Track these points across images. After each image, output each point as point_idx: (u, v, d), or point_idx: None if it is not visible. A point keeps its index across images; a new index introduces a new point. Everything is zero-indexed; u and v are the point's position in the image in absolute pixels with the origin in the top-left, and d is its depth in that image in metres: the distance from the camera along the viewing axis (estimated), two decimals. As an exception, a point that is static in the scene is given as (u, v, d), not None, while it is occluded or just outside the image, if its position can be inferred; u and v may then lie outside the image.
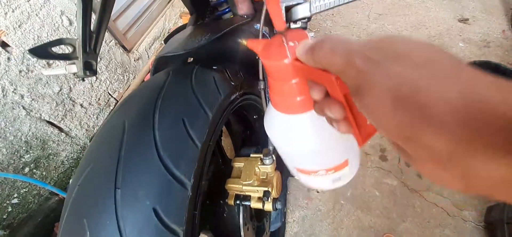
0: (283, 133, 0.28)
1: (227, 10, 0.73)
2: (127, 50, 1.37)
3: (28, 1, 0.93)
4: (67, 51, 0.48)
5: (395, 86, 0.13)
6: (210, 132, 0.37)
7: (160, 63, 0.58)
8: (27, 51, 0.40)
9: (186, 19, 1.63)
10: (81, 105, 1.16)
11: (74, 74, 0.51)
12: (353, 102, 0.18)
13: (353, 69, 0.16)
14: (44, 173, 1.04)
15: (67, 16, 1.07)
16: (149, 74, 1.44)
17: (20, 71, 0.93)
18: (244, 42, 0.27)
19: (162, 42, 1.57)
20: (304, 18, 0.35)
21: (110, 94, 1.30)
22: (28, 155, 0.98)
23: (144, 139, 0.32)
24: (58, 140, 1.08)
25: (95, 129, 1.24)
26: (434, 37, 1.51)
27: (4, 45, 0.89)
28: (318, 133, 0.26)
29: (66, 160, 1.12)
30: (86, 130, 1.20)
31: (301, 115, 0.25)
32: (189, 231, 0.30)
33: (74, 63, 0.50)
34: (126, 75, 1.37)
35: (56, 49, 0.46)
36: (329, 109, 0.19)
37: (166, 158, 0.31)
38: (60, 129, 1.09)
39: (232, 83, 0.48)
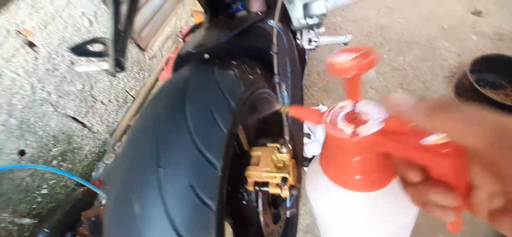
0: (335, 207, 0.24)
1: (240, 7, 0.76)
2: (142, 49, 1.42)
3: (51, 2, 0.99)
4: (97, 49, 0.53)
5: None
6: (234, 119, 0.40)
7: (181, 60, 0.62)
8: (68, 49, 0.45)
9: (197, 17, 1.68)
10: (102, 102, 1.22)
11: (105, 70, 0.56)
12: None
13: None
14: (70, 166, 1.11)
15: (87, 17, 1.13)
16: (163, 71, 1.50)
17: (47, 70, 1.00)
18: (286, 109, 0.26)
19: (179, 40, 1.62)
20: (320, 15, 0.37)
21: (127, 91, 1.36)
22: (56, 149, 1.05)
23: (179, 125, 0.35)
24: (81, 135, 1.15)
25: (115, 124, 1.30)
26: (447, 30, 1.49)
27: (31, 45, 0.96)
28: (386, 214, 0.22)
29: (89, 154, 1.19)
30: (107, 125, 1.26)
31: (369, 194, 0.21)
32: (219, 206, 0.34)
33: (105, 61, 0.55)
34: (142, 73, 1.43)
35: (90, 48, 0.51)
36: (440, 195, 0.16)
37: (198, 142, 0.35)
38: (83, 124, 1.15)
39: (251, 77, 0.52)
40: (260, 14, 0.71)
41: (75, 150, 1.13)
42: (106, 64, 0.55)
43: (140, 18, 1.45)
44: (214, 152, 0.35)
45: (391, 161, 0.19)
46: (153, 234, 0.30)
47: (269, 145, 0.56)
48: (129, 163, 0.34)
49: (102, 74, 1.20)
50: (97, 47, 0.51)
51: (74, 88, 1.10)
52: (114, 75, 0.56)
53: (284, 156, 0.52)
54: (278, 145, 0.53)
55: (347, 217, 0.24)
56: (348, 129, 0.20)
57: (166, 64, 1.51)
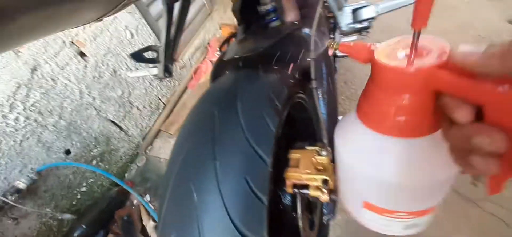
0: (370, 155, 0.22)
1: (274, 18, 0.79)
2: (173, 59, 1.52)
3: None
4: (151, 56, 0.58)
5: None
6: (280, 119, 0.42)
7: (220, 68, 0.66)
8: (129, 55, 0.50)
9: (225, 29, 1.76)
10: (137, 108, 1.31)
11: (154, 76, 0.61)
12: None
13: None
14: (107, 166, 1.19)
15: (129, 31, 1.24)
16: (192, 80, 1.57)
17: (94, 77, 1.10)
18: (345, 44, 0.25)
19: (206, 50, 1.70)
20: (369, 19, 0.38)
21: (159, 98, 1.44)
22: (96, 150, 1.14)
23: (232, 123, 0.37)
24: (118, 138, 1.23)
25: (147, 129, 1.38)
26: (483, 38, 1.42)
27: (82, 54, 1.07)
28: (424, 166, 0.20)
29: (123, 156, 1.27)
30: (140, 129, 1.34)
31: (409, 141, 0.20)
32: (270, 200, 0.35)
33: (155, 67, 0.60)
34: (173, 82, 1.52)
35: (145, 54, 0.56)
36: (486, 137, 0.15)
37: (251, 138, 0.36)
38: (121, 128, 1.24)
39: (291, 81, 0.53)
40: (296, 23, 0.74)
41: (112, 152, 1.21)
42: (155, 70, 0.60)
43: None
44: (265, 148, 0.36)
45: (440, 106, 0.18)
46: (211, 222, 0.31)
47: (307, 147, 0.56)
48: (186, 156, 0.37)
49: (139, 81, 1.30)
50: (150, 54, 0.56)
51: (115, 94, 1.19)
52: (161, 80, 0.61)
53: (324, 159, 0.51)
54: (317, 148, 0.53)
55: (380, 166, 0.22)
56: (405, 59, 0.19)
57: (194, 73, 1.59)
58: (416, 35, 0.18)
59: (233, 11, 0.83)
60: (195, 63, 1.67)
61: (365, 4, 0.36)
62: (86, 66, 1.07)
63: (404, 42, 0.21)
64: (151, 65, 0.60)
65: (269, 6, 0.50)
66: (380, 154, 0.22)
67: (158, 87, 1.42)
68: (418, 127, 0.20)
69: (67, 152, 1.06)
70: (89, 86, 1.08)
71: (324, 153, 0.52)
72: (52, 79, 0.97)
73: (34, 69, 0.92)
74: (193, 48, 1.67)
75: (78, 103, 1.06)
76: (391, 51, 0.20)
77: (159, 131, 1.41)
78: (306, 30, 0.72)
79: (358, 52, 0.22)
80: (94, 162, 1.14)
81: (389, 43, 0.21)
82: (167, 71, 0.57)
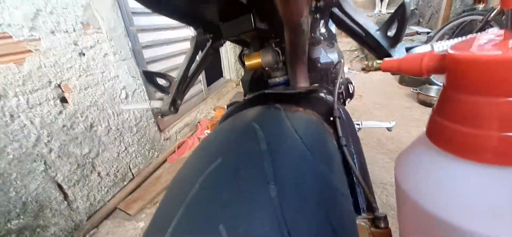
0: (460, 193, 0.15)
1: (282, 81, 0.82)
2: (160, 129, 1.42)
3: (102, 72, 1.06)
4: (161, 83, 0.52)
5: None
6: None
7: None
8: (142, 71, 0.43)
9: (219, 111, 1.80)
10: (99, 174, 1.06)
11: (156, 108, 0.53)
12: None
13: None
14: (18, 251, 0.80)
15: (126, 91, 1.18)
16: (174, 154, 1.42)
17: (63, 126, 0.92)
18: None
19: (196, 127, 1.64)
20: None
21: (129, 168, 1.22)
22: (17, 221, 0.80)
23: (291, 138, 0.28)
24: (56, 210, 0.90)
25: (100, 204, 1.07)
26: None
27: (63, 100, 0.93)
28: None
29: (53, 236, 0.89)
30: (90, 204, 1.03)
31: None
32: None
33: (159, 100, 0.53)
34: (152, 152, 1.35)
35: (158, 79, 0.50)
36: None
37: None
38: (65, 196, 0.94)
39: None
40: (315, 87, 0.77)
41: (38, 229, 0.85)
42: (158, 103, 0.53)
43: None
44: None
45: None
46: None
47: (359, 222, 0.44)
48: (214, 172, 0.24)
49: (115, 143, 1.12)
50: (162, 82, 0.51)
51: (79, 152, 0.98)
52: (162, 116, 0.52)
53: (384, 231, 0.40)
54: (367, 218, 0.42)
55: (476, 205, 0.14)
56: (496, 50, 0.14)
57: (178, 147, 1.46)
58: (510, 15, 0.15)
59: (242, 81, 0.85)
60: (181, 137, 1.57)
61: (418, 44, 0.38)
62: (60, 112, 0.91)
63: (474, 39, 0.16)
64: (150, 100, 0.53)
65: (281, 79, 0.51)
66: (471, 189, 0.15)
67: (133, 155, 1.23)
68: None
69: (-32, 218, 0.72)
70: (51, 134, 0.88)
71: (382, 224, 0.40)
72: (11, 115, 0.78)
73: (-7, 99, 0.74)
74: (183, 123, 1.61)
75: (26, 152, 0.82)
76: (468, 48, 0.15)
77: (114, 209, 1.10)
78: (322, 94, 0.74)
79: (411, 65, 0.19)
80: (2, 241, 0.77)
81: (454, 44, 0.17)
82: (174, 106, 0.50)
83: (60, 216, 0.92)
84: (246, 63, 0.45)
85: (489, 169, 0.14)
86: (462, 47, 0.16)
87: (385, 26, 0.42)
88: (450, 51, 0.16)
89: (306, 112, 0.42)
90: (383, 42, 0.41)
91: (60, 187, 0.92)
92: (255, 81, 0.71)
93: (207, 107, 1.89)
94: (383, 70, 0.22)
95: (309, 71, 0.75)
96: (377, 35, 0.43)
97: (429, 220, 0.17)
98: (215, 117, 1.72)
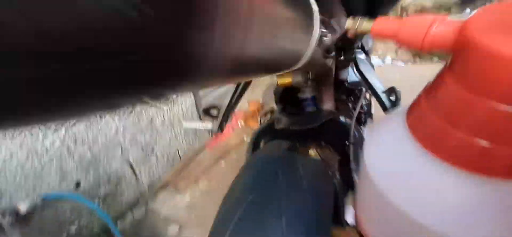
0: (430, 195, 0.15)
1: (309, 104, 0.89)
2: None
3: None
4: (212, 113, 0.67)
5: None
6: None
7: (266, 133, 0.72)
8: (202, 110, 0.60)
9: (253, 104, 1.94)
10: (156, 155, 1.33)
11: (208, 130, 0.69)
12: None
13: None
14: (106, 209, 1.12)
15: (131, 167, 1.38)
16: (212, 141, 1.64)
17: (133, 120, 1.18)
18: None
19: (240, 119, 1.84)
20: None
21: (177, 151, 1.48)
22: (103, 189, 1.10)
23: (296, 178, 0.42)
24: (128, 182, 1.20)
25: (157, 179, 1.36)
26: None
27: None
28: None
29: (125, 201, 1.21)
30: (150, 179, 1.33)
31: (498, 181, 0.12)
32: None
33: (211, 122, 0.69)
34: (195, 140, 1.59)
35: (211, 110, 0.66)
36: None
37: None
38: (134, 172, 1.23)
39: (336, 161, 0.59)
40: (333, 111, 0.84)
41: (117, 195, 1.16)
42: (210, 125, 0.69)
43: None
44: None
45: None
46: None
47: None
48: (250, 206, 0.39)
49: (168, 132, 1.37)
50: (213, 112, 0.67)
51: (143, 140, 1.24)
52: (211, 135, 0.69)
53: None
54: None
55: (445, 210, 0.14)
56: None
57: (215, 137, 1.68)
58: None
59: (275, 93, 0.95)
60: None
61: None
62: (131, 111, 1.16)
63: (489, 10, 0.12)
64: (204, 122, 0.69)
65: (308, 95, 0.60)
66: (445, 194, 0.14)
67: (181, 141, 1.48)
68: None
69: (77, 184, 1.03)
70: (125, 127, 1.15)
71: None
72: (100, 116, 1.04)
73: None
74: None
75: (110, 141, 1.10)
76: (490, 28, 0.11)
77: (167, 184, 1.39)
78: (342, 118, 0.81)
79: (412, 32, 0.14)
80: (96, 201, 1.09)
81: (472, 17, 0.12)
82: (221, 127, 0.66)
83: (131, 187, 1.23)
84: (278, 81, 0.52)
85: (474, 178, 0.13)
86: (488, 22, 0.11)
87: (387, 92, 0.49)
88: (469, 27, 0.11)
89: (316, 156, 0.53)
90: (386, 102, 0.48)
91: (131, 165, 1.21)
92: (286, 92, 0.82)
93: (241, 100, 2.04)
94: (374, 35, 0.18)
95: (336, 89, 0.82)
96: (382, 96, 0.50)
97: (392, 211, 0.16)
98: (249, 111, 1.87)
